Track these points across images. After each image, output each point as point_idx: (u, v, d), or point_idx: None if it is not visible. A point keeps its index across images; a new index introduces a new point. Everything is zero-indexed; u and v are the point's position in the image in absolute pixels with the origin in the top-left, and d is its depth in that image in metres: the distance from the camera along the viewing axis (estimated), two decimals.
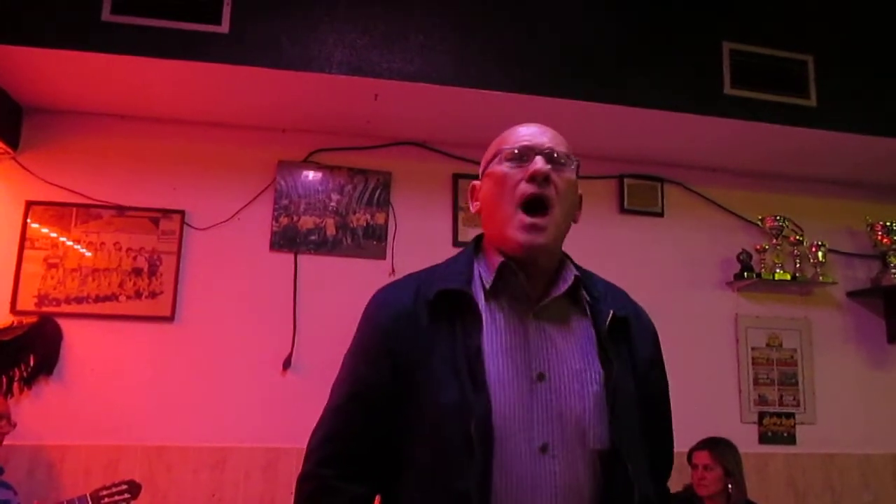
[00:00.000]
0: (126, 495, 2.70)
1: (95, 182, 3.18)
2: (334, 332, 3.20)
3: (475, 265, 1.31)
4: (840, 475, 3.64)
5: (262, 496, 3.07)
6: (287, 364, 3.18)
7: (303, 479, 1.27)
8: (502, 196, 1.27)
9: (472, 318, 1.23)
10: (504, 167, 1.28)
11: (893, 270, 3.70)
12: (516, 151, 1.28)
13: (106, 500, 2.66)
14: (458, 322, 1.23)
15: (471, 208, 1.38)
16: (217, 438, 3.08)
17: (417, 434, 1.19)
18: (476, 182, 1.38)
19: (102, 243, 3.13)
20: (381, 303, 1.31)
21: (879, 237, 3.74)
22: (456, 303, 1.24)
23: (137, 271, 3.14)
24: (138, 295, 3.12)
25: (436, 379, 1.19)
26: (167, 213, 3.20)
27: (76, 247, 3.12)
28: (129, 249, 3.14)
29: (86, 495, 2.65)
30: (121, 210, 3.17)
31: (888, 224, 3.71)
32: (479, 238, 1.38)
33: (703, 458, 2.96)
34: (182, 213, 3.22)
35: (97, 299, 3.08)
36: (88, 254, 3.12)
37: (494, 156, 1.32)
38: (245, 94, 3.03)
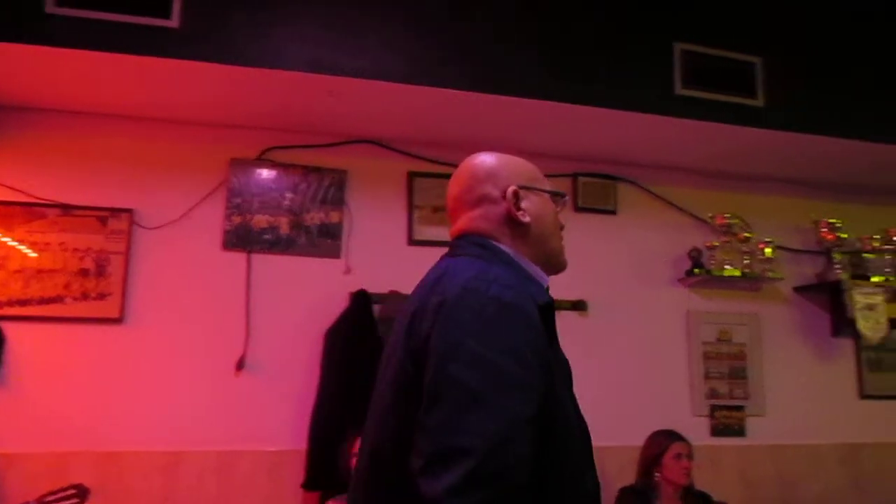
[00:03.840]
0: (74, 500, 2.62)
1: (40, 180, 3.08)
2: (289, 331, 3.21)
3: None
4: (788, 465, 3.74)
5: (216, 500, 3.02)
6: (240, 365, 3.13)
7: (498, 480, 1.04)
8: (556, 226, 1.46)
9: (553, 330, 1.31)
10: (551, 201, 1.48)
11: (837, 266, 3.80)
12: (564, 199, 1.53)
13: None
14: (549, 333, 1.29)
15: (519, 216, 1.40)
16: (169, 442, 3.02)
17: (550, 437, 1.18)
18: (515, 189, 1.41)
19: (47, 243, 3.04)
20: (526, 300, 1.22)
21: (824, 234, 3.85)
22: (546, 315, 1.28)
23: (84, 272, 3.05)
24: (85, 296, 3.04)
25: (558, 385, 1.25)
26: (115, 211, 3.12)
27: (20, 247, 3.01)
28: (75, 250, 3.05)
29: (31, 502, 2.57)
30: (66, 209, 3.08)
31: (832, 221, 3.83)
32: (496, 248, 1.38)
33: (686, 448, 3.02)
34: (131, 211, 3.14)
35: (42, 301, 2.99)
36: (33, 254, 3.02)
37: (535, 179, 1.47)
38: (196, 91, 2.97)
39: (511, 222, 1.40)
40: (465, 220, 1.44)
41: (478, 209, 1.42)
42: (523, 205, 1.41)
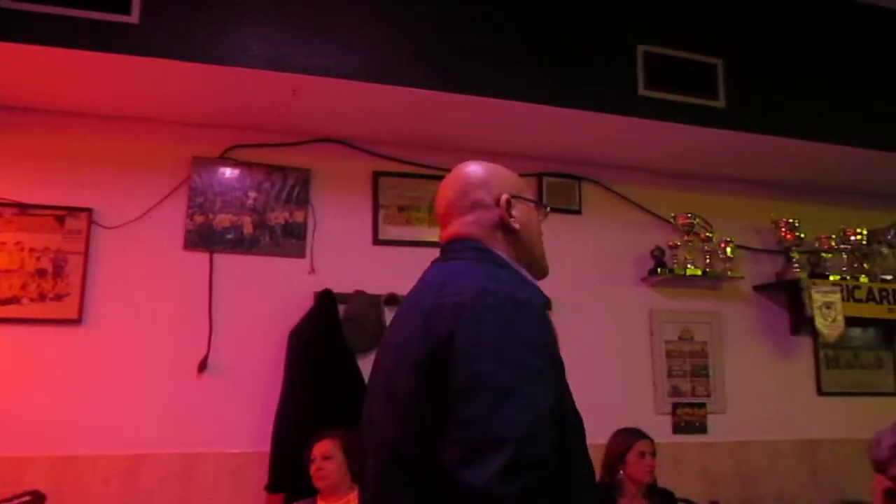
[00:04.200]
0: None
1: None
2: (252, 332, 3.17)
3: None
4: (749, 462, 3.80)
5: (177, 503, 2.97)
6: (203, 366, 3.09)
7: (535, 467, 1.11)
8: (539, 234, 1.54)
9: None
10: (535, 210, 1.55)
11: (796, 265, 3.88)
12: (547, 209, 1.61)
13: None
14: None
15: (511, 222, 1.46)
16: (129, 445, 2.97)
17: (561, 425, 1.24)
18: (509, 196, 1.47)
19: (3, 243, 2.96)
20: (537, 301, 1.32)
21: (783, 233, 3.91)
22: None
23: (41, 272, 2.98)
24: (42, 297, 2.97)
25: (562, 377, 1.35)
26: (73, 211, 3.06)
27: None
28: (32, 249, 2.98)
29: None
30: (23, 208, 3.01)
31: (791, 221, 3.89)
32: (491, 252, 1.44)
33: (649, 446, 3.05)
34: (89, 211, 3.08)
35: None
36: None
37: (522, 189, 1.53)
38: (157, 88, 2.92)
39: (503, 228, 1.46)
40: (458, 225, 1.47)
41: (471, 215, 1.46)
42: (514, 212, 1.47)
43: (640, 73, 3.19)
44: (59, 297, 2.98)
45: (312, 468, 2.73)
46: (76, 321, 2.99)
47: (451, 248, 1.46)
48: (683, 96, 3.25)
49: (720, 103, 3.30)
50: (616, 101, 3.15)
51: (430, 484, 1.18)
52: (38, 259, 2.99)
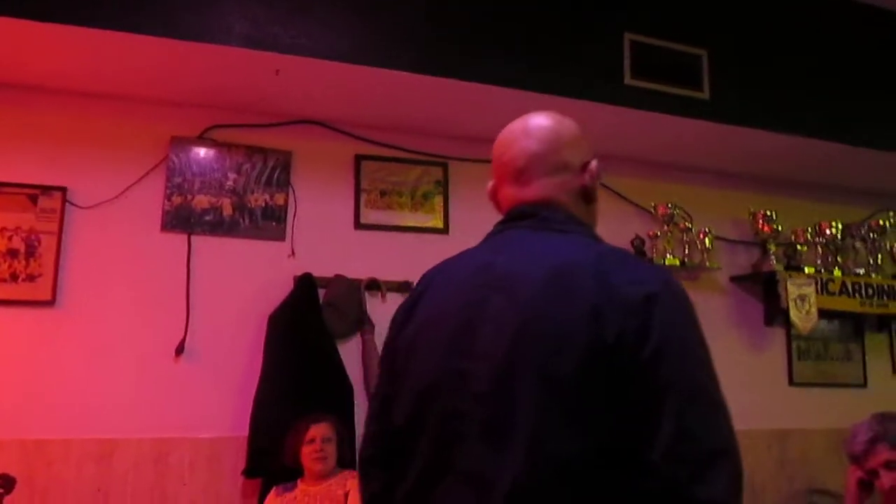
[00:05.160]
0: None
1: None
2: (231, 316, 3.13)
3: None
4: None
5: (152, 489, 2.92)
6: (180, 350, 3.03)
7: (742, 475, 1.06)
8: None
9: None
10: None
11: (772, 257, 3.92)
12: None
13: None
14: None
15: (595, 193, 1.33)
16: (103, 429, 2.90)
17: None
18: (598, 164, 1.33)
19: None
20: None
21: (760, 225, 3.95)
22: None
23: (13, 253, 2.90)
24: (14, 278, 2.89)
25: None
26: (47, 189, 2.97)
27: None
28: (3, 229, 2.90)
29: None
30: None
31: (768, 213, 3.93)
32: (585, 225, 1.32)
33: None
34: (63, 189, 2.99)
35: None
36: None
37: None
38: (135, 65, 2.84)
39: (584, 197, 1.32)
40: (544, 187, 1.30)
41: (557, 177, 1.30)
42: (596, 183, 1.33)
43: (626, 62, 3.19)
44: (31, 278, 2.91)
45: (310, 450, 2.73)
46: (49, 303, 2.92)
47: (549, 217, 1.27)
48: (668, 86, 3.25)
49: (704, 94, 3.31)
50: (602, 89, 3.15)
51: (599, 487, 1.07)
52: (9, 239, 2.91)
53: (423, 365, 1.25)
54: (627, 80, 3.19)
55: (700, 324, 1.15)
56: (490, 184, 1.43)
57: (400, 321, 1.36)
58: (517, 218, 1.31)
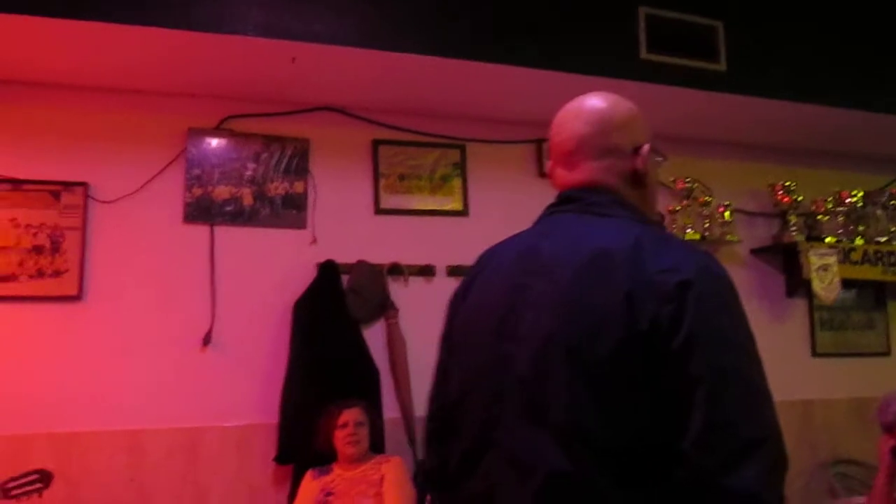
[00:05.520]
0: (37, 485, 2.56)
1: None
2: (256, 305, 3.14)
3: None
4: None
5: (184, 477, 2.96)
6: (207, 340, 3.06)
7: (786, 465, 1.05)
8: (659, 189, 1.42)
9: None
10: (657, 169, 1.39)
11: (793, 228, 3.90)
12: (664, 161, 1.41)
13: (15, 491, 2.52)
14: None
15: (647, 176, 1.32)
16: (134, 421, 2.94)
17: None
18: (650, 148, 1.32)
19: None
20: None
21: (780, 197, 3.92)
22: None
23: (38, 249, 2.93)
24: (40, 274, 2.92)
25: None
26: (68, 185, 2.99)
27: None
28: (28, 226, 2.92)
29: None
30: (16, 184, 2.93)
31: (788, 184, 3.90)
32: (634, 208, 1.30)
33: None
34: (85, 185, 3.01)
35: None
36: None
37: (652, 136, 1.35)
38: (151, 58, 2.85)
39: (634, 180, 1.30)
40: (592, 171, 1.30)
41: (604, 160, 1.29)
42: (649, 166, 1.32)
43: (641, 35, 3.16)
44: (57, 274, 2.93)
45: (343, 434, 2.76)
46: (76, 297, 2.94)
47: (595, 201, 1.27)
48: (684, 60, 3.22)
49: (721, 66, 3.28)
50: (618, 64, 3.12)
51: (631, 474, 1.07)
52: (34, 235, 2.93)
53: (472, 347, 1.28)
54: (643, 54, 3.16)
55: (741, 308, 1.14)
56: (548, 163, 1.44)
57: (456, 301, 1.40)
58: (564, 202, 1.32)
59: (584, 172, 1.30)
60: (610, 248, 1.16)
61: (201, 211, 3.14)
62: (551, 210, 1.35)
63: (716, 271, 1.15)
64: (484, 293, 1.31)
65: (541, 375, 1.13)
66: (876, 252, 3.96)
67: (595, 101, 1.34)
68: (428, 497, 2.85)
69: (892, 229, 4.07)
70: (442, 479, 1.32)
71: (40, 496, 2.57)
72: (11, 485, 2.52)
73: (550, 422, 1.10)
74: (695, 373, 1.04)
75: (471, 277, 1.39)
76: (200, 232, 3.14)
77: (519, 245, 1.31)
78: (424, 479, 1.42)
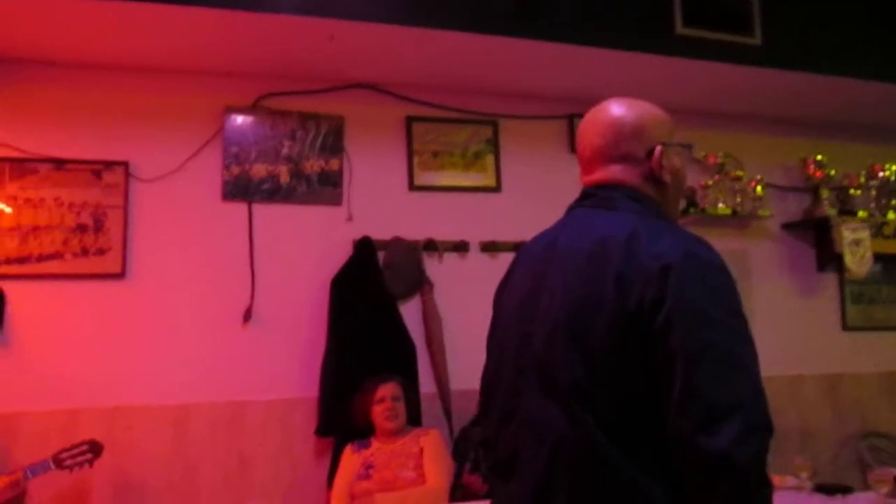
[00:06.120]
0: (88, 455, 2.64)
1: (28, 135, 2.98)
2: (294, 281, 3.19)
3: None
4: (772, 396, 3.79)
5: (227, 449, 3.04)
6: (247, 316, 3.11)
7: (765, 429, 1.13)
8: (685, 179, 1.50)
9: None
10: (683, 153, 1.48)
11: (824, 203, 3.89)
12: (689, 151, 1.54)
13: (68, 461, 2.60)
14: None
15: (663, 175, 1.39)
16: (178, 395, 3.01)
17: None
18: (662, 149, 1.38)
19: (41, 199, 2.95)
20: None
21: (811, 171, 3.91)
22: None
23: (82, 227, 2.98)
24: (85, 252, 2.97)
25: None
26: (109, 164, 3.03)
27: (12, 205, 2.92)
28: (71, 205, 2.97)
29: (47, 459, 2.56)
30: (59, 163, 2.98)
31: (819, 158, 3.89)
32: (648, 201, 1.39)
33: None
34: (126, 164, 3.06)
35: (40, 259, 2.92)
36: (27, 211, 2.93)
37: (673, 132, 1.43)
38: (188, 38, 2.88)
39: (652, 179, 1.39)
40: (606, 172, 1.40)
41: (619, 165, 1.39)
42: (664, 162, 1.39)
43: (677, 10, 3.15)
44: (101, 252, 2.99)
45: (381, 409, 2.80)
46: (119, 275, 3.00)
47: (607, 196, 1.38)
48: (719, 34, 3.20)
49: (756, 40, 3.26)
50: (655, 40, 3.12)
51: (646, 458, 1.18)
52: (77, 214, 2.98)
53: (503, 329, 1.45)
54: (679, 29, 3.15)
55: (729, 289, 1.22)
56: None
57: (499, 291, 1.55)
58: (583, 198, 1.44)
59: (601, 174, 1.42)
60: (609, 236, 1.28)
61: (239, 189, 3.17)
62: (572, 206, 1.47)
63: (704, 256, 1.24)
64: (517, 283, 1.47)
65: (550, 353, 1.28)
66: None
67: (609, 113, 1.43)
68: (467, 465, 2.92)
69: None
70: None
71: (91, 466, 2.65)
72: (64, 455, 2.59)
73: (559, 394, 1.25)
74: (674, 347, 1.15)
75: (510, 269, 1.54)
76: (239, 209, 3.18)
77: (545, 239, 1.44)
78: (482, 447, 1.56)
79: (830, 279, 4.11)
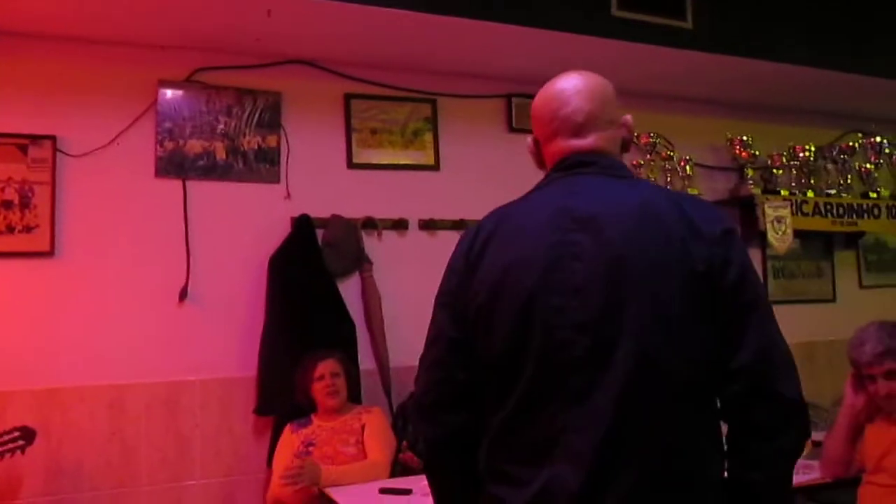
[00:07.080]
0: (20, 442, 2.55)
1: None
2: (231, 259, 3.16)
3: None
4: None
5: (165, 431, 3.00)
6: (183, 295, 3.06)
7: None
8: None
9: None
10: None
11: (750, 182, 4.05)
12: None
13: None
14: None
15: (632, 142, 1.55)
16: (113, 376, 2.95)
17: None
18: (630, 116, 1.51)
19: None
20: None
21: (738, 151, 4.06)
22: None
23: (7, 204, 2.87)
24: (10, 230, 2.87)
25: None
26: (36, 139, 2.92)
27: None
28: None
29: None
30: None
31: (745, 139, 4.04)
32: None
33: None
34: (53, 138, 2.95)
35: None
36: None
37: None
38: (120, 7, 2.78)
39: (624, 147, 1.50)
40: (598, 139, 1.43)
41: (607, 131, 1.44)
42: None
43: None
44: (28, 230, 2.89)
45: (321, 386, 2.81)
46: (48, 253, 2.91)
47: (610, 164, 1.41)
48: (653, 17, 3.28)
49: (687, 24, 3.36)
50: (590, 21, 3.17)
51: (706, 402, 1.29)
52: (2, 190, 2.87)
53: (515, 306, 1.31)
54: (614, 11, 3.21)
55: None
56: (530, 138, 1.54)
57: (466, 267, 1.40)
58: (577, 165, 1.42)
59: (593, 140, 1.44)
60: (654, 204, 1.33)
61: (174, 165, 3.11)
62: (565, 173, 1.41)
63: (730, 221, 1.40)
64: (517, 255, 1.34)
65: (607, 320, 1.25)
66: (826, 204, 4.14)
67: (590, 79, 1.48)
68: (405, 443, 2.95)
69: (841, 182, 4.27)
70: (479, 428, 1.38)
71: (23, 453, 2.57)
72: None
73: (619, 359, 1.23)
74: (746, 302, 1.27)
75: (481, 244, 1.39)
76: (173, 186, 3.11)
77: (547, 205, 1.38)
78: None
79: (754, 255, 4.27)
